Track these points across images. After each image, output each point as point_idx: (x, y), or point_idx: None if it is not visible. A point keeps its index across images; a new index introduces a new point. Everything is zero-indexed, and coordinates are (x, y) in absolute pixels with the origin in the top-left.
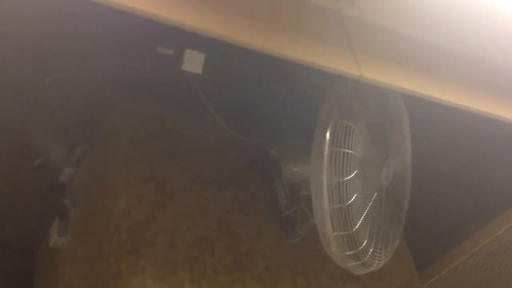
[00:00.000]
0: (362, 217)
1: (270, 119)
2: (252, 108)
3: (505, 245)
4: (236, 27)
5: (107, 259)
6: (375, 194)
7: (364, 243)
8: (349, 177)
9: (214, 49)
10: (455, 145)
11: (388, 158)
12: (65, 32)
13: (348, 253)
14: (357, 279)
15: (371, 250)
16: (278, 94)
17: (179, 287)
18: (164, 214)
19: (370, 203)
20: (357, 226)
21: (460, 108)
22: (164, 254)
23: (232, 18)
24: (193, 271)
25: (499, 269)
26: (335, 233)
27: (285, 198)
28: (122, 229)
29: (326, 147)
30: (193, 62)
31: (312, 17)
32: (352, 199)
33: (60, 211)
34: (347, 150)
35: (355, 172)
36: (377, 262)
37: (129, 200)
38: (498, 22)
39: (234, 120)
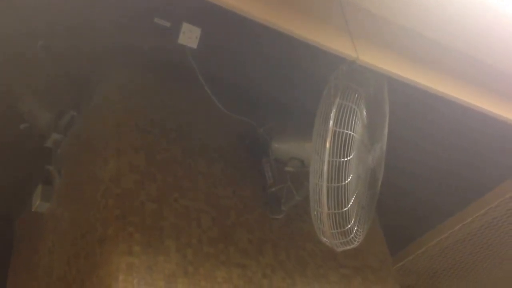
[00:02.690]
0: (354, 197)
1: (263, 96)
2: (245, 86)
3: (470, 234)
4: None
5: (93, 224)
6: (364, 175)
7: (352, 222)
8: (349, 157)
9: (211, 25)
10: (440, 135)
11: (374, 141)
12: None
13: (337, 230)
14: (334, 257)
15: (355, 228)
16: (273, 71)
17: (165, 255)
18: (154, 183)
19: (360, 184)
20: (349, 206)
21: (447, 98)
22: (151, 222)
23: None
24: (179, 240)
25: (464, 256)
26: (329, 211)
27: (271, 175)
28: (110, 195)
29: (330, 127)
30: (189, 36)
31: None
32: (349, 179)
33: (45, 177)
34: (349, 132)
35: (354, 153)
36: (358, 240)
37: (119, 167)
38: (495, 23)
39: (227, 96)
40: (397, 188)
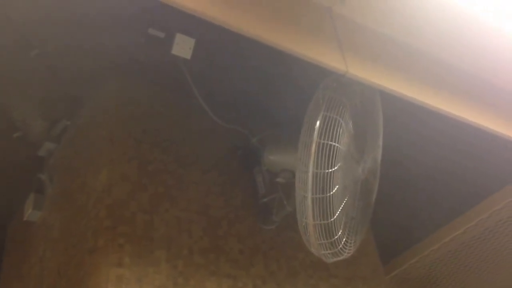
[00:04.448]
0: (340, 208)
1: (256, 107)
2: (238, 96)
3: (463, 244)
4: (232, 13)
5: (83, 234)
6: (352, 186)
7: (339, 233)
8: (333, 169)
9: (205, 36)
10: (430, 146)
11: (365, 152)
12: (54, 10)
13: (324, 241)
14: (325, 267)
15: (344, 239)
16: (265, 83)
17: (155, 266)
18: (145, 193)
19: (348, 196)
20: (335, 217)
21: (438, 112)
22: (142, 232)
23: (230, 4)
24: (169, 251)
25: (457, 266)
26: (314, 222)
27: (263, 185)
28: (101, 205)
29: (315, 139)
30: (183, 46)
31: (305, 11)
32: (334, 190)
33: (37, 186)
34: (333, 143)
35: (339, 164)
36: (347, 252)
37: (111, 176)
38: (484, 37)
39: (220, 107)
40: (391, 197)
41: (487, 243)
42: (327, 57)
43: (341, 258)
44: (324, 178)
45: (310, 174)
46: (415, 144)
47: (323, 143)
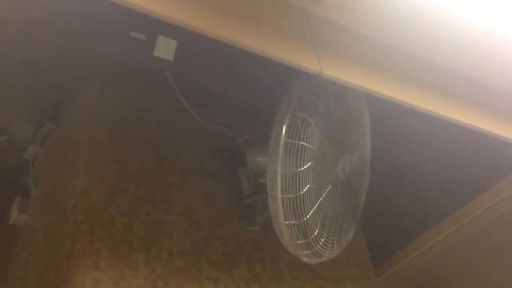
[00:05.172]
0: (314, 207)
1: (240, 108)
2: (222, 97)
3: (456, 243)
4: (201, 16)
5: (62, 238)
6: (330, 186)
7: (315, 233)
8: (302, 168)
9: (187, 37)
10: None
11: (345, 152)
12: (36, 13)
13: (299, 242)
14: (312, 268)
15: (322, 240)
16: (249, 83)
17: (133, 270)
18: (125, 196)
19: (324, 195)
20: (308, 216)
21: (421, 111)
22: (120, 236)
23: (199, 7)
24: (148, 254)
25: (451, 266)
26: (286, 222)
27: (247, 186)
28: (79, 209)
29: (282, 138)
30: (165, 48)
31: (278, 12)
32: (304, 190)
33: (23, 189)
34: (302, 142)
35: (309, 164)
36: (328, 252)
37: (89, 180)
38: (461, 35)
39: (204, 107)
40: (388, 194)
41: (483, 240)
42: (300, 58)
43: (323, 259)
44: (294, 178)
45: (278, 174)
46: (397, 142)
47: (291, 143)
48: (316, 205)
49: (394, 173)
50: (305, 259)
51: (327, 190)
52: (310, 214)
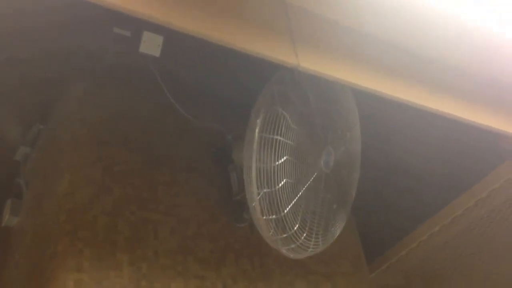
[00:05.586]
0: (293, 202)
1: (229, 104)
2: (211, 93)
3: (451, 235)
4: (172, 10)
5: (46, 240)
6: (310, 180)
7: (295, 228)
8: (277, 162)
9: (174, 32)
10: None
11: (328, 146)
12: (18, 11)
13: (279, 236)
14: (302, 264)
15: (304, 234)
16: (237, 78)
17: (117, 270)
18: (110, 196)
19: (304, 189)
20: (286, 211)
21: (404, 103)
22: (104, 236)
23: (170, 1)
24: (133, 254)
25: (457, 254)
26: (264, 217)
27: (237, 183)
28: (62, 210)
29: (256, 133)
30: (151, 44)
31: (255, 4)
32: (280, 184)
33: (15, 191)
34: (276, 137)
35: (285, 158)
36: (312, 247)
37: (73, 181)
38: (449, 25)
39: (193, 104)
40: (381, 190)
41: (477, 232)
42: (278, 51)
43: (308, 253)
44: (269, 173)
45: (253, 168)
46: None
47: (266, 137)
48: (295, 200)
49: (386, 168)
50: (290, 255)
51: (307, 184)
52: (288, 208)
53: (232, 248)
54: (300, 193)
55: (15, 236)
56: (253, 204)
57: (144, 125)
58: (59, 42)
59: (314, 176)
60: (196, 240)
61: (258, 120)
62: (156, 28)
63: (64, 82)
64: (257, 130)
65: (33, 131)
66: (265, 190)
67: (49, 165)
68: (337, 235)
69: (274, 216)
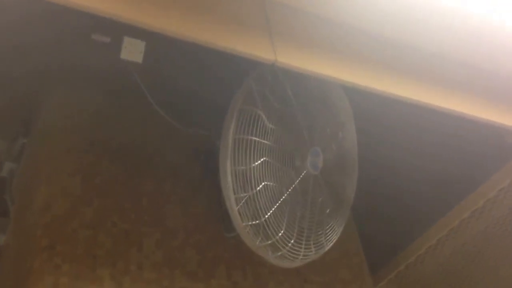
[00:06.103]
0: (275, 206)
1: (217, 109)
2: (198, 98)
3: (460, 238)
4: (134, 6)
5: (25, 256)
6: (296, 182)
7: (281, 233)
8: (254, 164)
9: (156, 37)
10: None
11: (315, 146)
12: None
13: (262, 244)
14: (298, 273)
15: (291, 241)
16: (224, 82)
17: (97, 285)
18: (89, 208)
19: (287, 192)
20: (267, 216)
21: (404, 101)
22: (83, 250)
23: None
24: (115, 268)
25: (459, 263)
26: (243, 223)
27: None
28: (38, 225)
29: (230, 134)
30: (132, 50)
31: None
32: (259, 187)
33: (2, 208)
34: (252, 137)
35: (262, 159)
36: (303, 254)
37: (49, 193)
38: (439, 12)
39: (179, 110)
40: (390, 194)
41: (488, 232)
42: (254, 47)
43: (300, 261)
44: (246, 175)
45: (228, 171)
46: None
47: (241, 138)
48: (278, 204)
49: (387, 171)
50: (279, 263)
51: (292, 187)
52: (270, 213)
53: (223, 259)
54: (284, 197)
55: (3, 255)
56: (231, 210)
57: (127, 133)
58: (35, 53)
59: (299, 178)
60: (183, 251)
61: (232, 121)
62: (137, 32)
63: (42, 94)
64: (231, 131)
65: (17, 146)
66: (242, 194)
67: (28, 180)
68: (334, 241)
69: (254, 222)
